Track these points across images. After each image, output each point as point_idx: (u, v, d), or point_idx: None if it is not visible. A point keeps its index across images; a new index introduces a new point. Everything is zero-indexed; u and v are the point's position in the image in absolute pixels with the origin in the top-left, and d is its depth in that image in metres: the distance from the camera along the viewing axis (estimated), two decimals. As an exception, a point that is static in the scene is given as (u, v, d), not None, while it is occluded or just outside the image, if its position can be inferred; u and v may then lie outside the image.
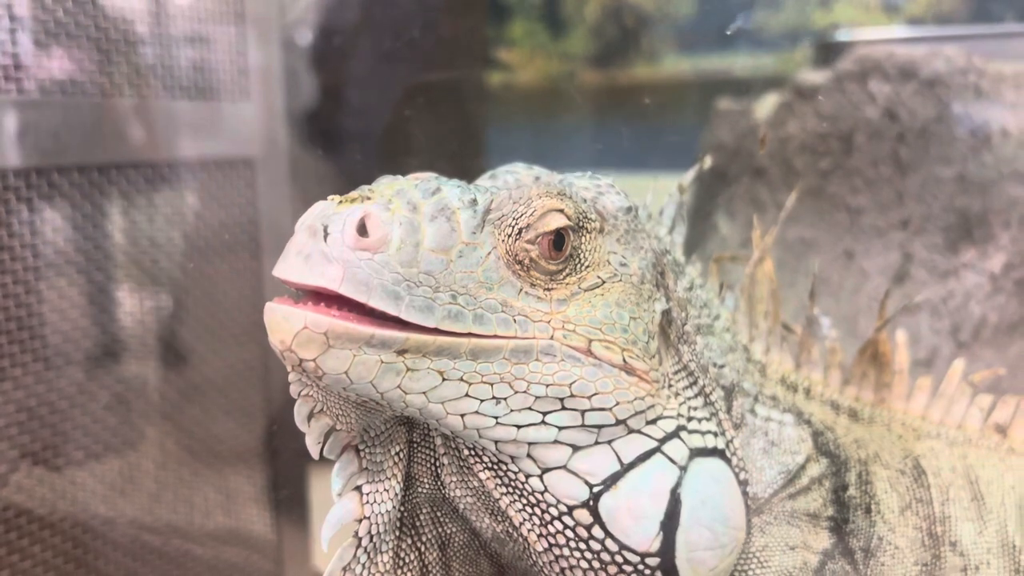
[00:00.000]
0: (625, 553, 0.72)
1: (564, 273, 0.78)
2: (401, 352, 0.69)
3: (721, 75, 4.57)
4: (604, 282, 0.79)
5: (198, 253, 1.83)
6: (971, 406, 0.87)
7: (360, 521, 0.76)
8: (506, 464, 0.73)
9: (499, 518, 0.76)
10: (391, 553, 0.76)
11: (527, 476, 0.73)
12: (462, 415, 0.72)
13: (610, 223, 0.83)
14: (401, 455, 0.78)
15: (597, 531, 0.72)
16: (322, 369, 0.68)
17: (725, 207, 1.48)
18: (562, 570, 0.74)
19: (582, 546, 0.73)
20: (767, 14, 4.50)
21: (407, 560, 0.77)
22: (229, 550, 1.54)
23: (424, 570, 0.78)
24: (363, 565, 0.75)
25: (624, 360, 0.75)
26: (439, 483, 0.79)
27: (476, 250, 0.75)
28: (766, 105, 1.58)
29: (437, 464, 0.78)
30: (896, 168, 1.35)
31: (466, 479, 0.77)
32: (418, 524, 0.80)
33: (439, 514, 0.79)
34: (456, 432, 0.73)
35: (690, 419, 0.76)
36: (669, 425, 0.75)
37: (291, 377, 0.73)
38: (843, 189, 1.32)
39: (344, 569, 0.75)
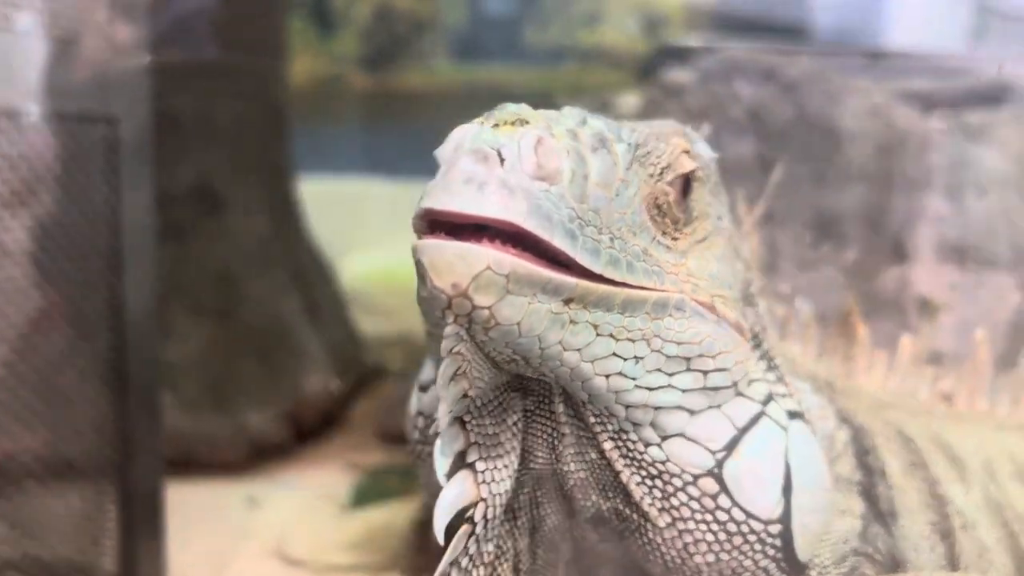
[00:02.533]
0: (751, 522, 0.67)
1: (684, 223, 0.71)
2: (567, 301, 0.61)
3: (494, 86, 4.76)
4: (708, 236, 0.73)
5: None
6: (919, 378, 0.91)
7: (476, 504, 0.65)
8: (627, 432, 0.66)
9: (609, 494, 0.69)
10: (495, 541, 0.67)
11: (647, 445, 0.66)
12: (607, 376, 0.63)
13: (704, 173, 0.76)
14: (518, 426, 0.67)
15: (723, 500, 0.66)
16: (496, 319, 0.58)
17: None
18: (685, 546, 0.67)
19: (708, 518, 0.66)
20: (535, 30, 4.77)
21: (505, 548, 0.69)
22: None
23: (516, 559, 0.70)
24: (470, 557, 0.65)
25: (736, 318, 0.71)
26: (553, 457, 0.68)
27: (627, 188, 0.66)
28: (628, 103, 1.69)
29: (555, 435, 0.68)
30: (760, 165, 1.52)
31: (584, 451, 0.68)
32: (516, 507, 0.72)
33: (539, 494, 0.70)
34: (595, 396, 0.65)
35: (772, 381, 0.72)
36: (763, 388, 0.71)
37: (448, 330, 0.59)
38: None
39: (451, 563, 0.65)
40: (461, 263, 0.57)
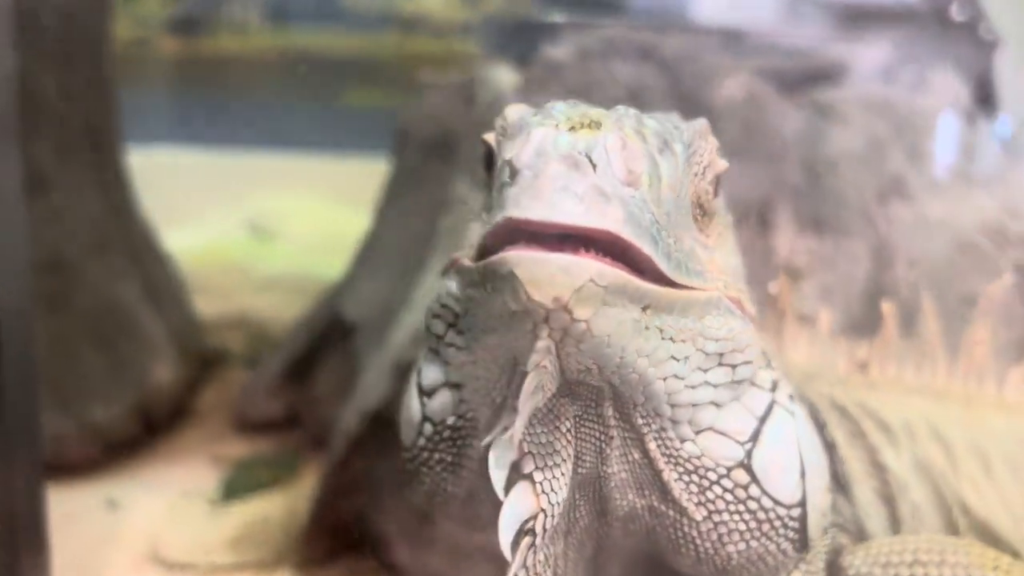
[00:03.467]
0: (778, 508, 0.69)
1: (712, 218, 0.72)
2: (644, 309, 0.61)
3: (312, 52, 4.59)
4: (723, 230, 0.75)
5: None
6: (836, 350, 0.97)
7: (536, 516, 0.64)
8: (666, 431, 0.67)
9: (645, 492, 0.69)
10: (545, 549, 0.67)
11: (682, 441, 0.67)
12: (664, 379, 0.64)
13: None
14: (571, 432, 0.67)
15: (754, 490, 0.68)
16: (592, 331, 0.58)
17: (471, 179, 1.56)
18: (719, 536, 0.69)
19: (741, 508, 0.68)
20: (356, -4, 4.63)
21: (548, 553, 0.68)
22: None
23: (555, 563, 0.70)
24: (529, 568, 0.65)
25: (751, 311, 0.73)
26: (599, 460, 0.68)
27: (683, 189, 0.67)
28: (504, 79, 1.69)
29: (603, 439, 0.68)
30: None
31: (628, 452, 0.68)
32: None
33: (577, 496, 0.69)
34: (651, 398, 0.65)
35: (771, 368, 0.74)
36: (768, 375, 0.72)
37: (540, 345, 0.58)
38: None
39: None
40: (564, 276, 0.56)
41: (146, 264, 2.11)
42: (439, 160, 1.70)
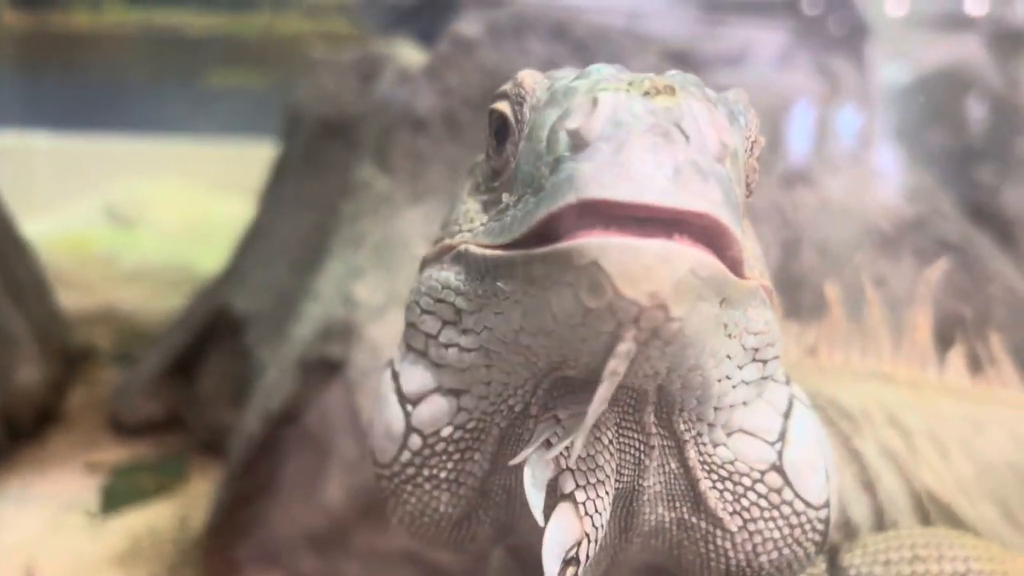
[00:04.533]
0: (808, 511, 0.63)
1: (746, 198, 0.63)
2: (722, 302, 0.53)
3: (173, 30, 4.35)
4: (746, 212, 0.65)
5: None
6: (787, 335, 0.89)
7: (579, 543, 0.56)
8: (703, 435, 0.60)
9: (676, 504, 0.63)
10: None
11: (715, 446, 0.61)
12: (720, 380, 0.57)
13: None
14: (613, 444, 0.59)
15: (787, 493, 0.62)
16: (684, 331, 0.49)
17: (376, 162, 1.47)
18: (754, 547, 0.63)
19: (775, 514, 0.63)
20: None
21: None
22: None
23: None
24: None
25: (776, 300, 0.66)
26: (637, 472, 0.61)
27: (741, 168, 0.59)
28: (411, 58, 1.62)
29: (643, 449, 0.60)
30: None
31: (665, 463, 0.61)
32: None
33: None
34: (704, 401, 0.58)
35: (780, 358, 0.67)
36: (780, 367, 0.65)
37: (622, 348, 0.49)
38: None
39: None
40: (664, 268, 0.47)
41: (5, 258, 1.93)
42: (336, 143, 1.60)
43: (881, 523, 0.79)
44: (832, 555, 0.74)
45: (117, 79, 4.28)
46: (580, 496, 0.57)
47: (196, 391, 1.81)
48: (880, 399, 0.86)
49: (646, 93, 0.51)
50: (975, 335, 1.49)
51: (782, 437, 0.63)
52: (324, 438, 1.23)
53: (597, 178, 0.49)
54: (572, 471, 0.57)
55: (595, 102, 0.51)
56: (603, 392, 0.51)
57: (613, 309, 0.48)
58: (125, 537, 1.42)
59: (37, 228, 2.76)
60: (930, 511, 0.80)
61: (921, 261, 1.53)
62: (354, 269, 1.32)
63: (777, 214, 1.54)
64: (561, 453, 0.56)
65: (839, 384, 0.86)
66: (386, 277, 1.27)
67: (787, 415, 0.64)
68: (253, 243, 1.84)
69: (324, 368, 1.27)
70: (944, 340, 1.07)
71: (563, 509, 0.56)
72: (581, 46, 1.41)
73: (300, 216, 1.65)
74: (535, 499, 0.56)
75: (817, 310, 1.03)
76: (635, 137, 0.49)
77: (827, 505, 0.65)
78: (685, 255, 0.48)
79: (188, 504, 1.51)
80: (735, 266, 0.52)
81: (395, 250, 1.30)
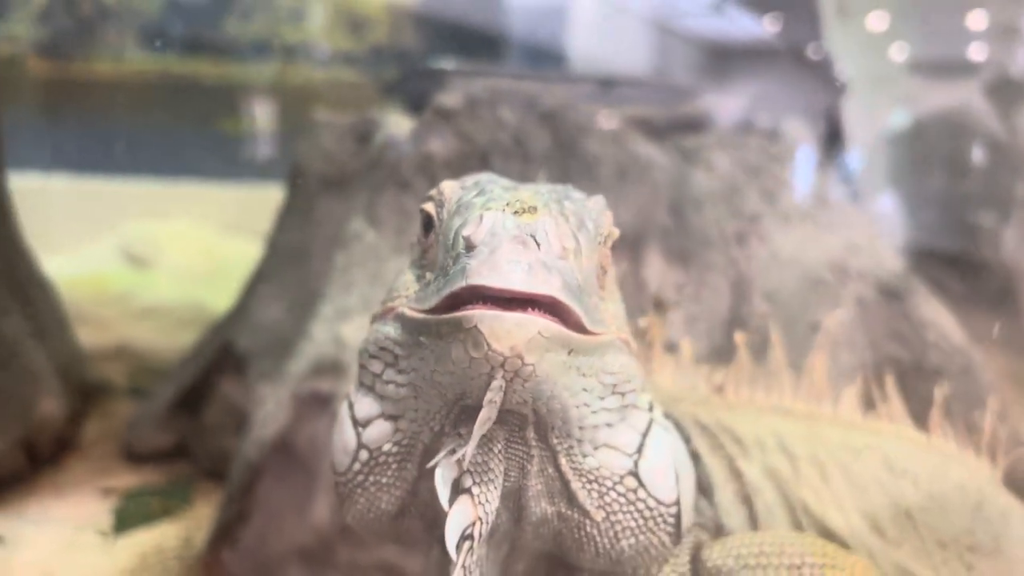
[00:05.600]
0: (660, 507, 0.83)
1: (607, 273, 0.86)
2: (569, 352, 0.75)
3: (190, 78, 4.55)
4: (611, 283, 0.89)
5: None
6: (697, 375, 1.10)
7: (474, 523, 0.77)
8: (573, 448, 0.80)
9: (555, 500, 0.82)
10: (478, 551, 0.79)
11: (584, 456, 0.81)
12: (577, 406, 0.78)
13: None
14: (502, 453, 0.79)
15: (641, 493, 0.82)
16: (536, 372, 0.72)
17: (366, 216, 1.64)
18: (615, 533, 0.83)
19: (631, 508, 0.82)
20: (237, 23, 4.62)
21: (479, 555, 0.80)
22: None
23: (481, 561, 0.81)
24: (468, 568, 0.76)
25: (635, 347, 0.87)
26: (521, 474, 0.81)
27: (592, 255, 0.82)
28: (398, 123, 1.78)
29: (525, 457, 0.80)
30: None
31: (544, 468, 0.81)
32: None
33: (499, 506, 0.82)
34: (567, 422, 0.78)
35: (647, 390, 0.88)
36: (646, 398, 0.86)
37: (495, 384, 0.72)
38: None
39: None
40: (519, 330, 0.71)
41: (30, 296, 2.09)
42: (333, 197, 1.77)
43: (756, 531, 0.94)
44: (696, 551, 0.90)
45: (135, 124, 4.45)
46: (475, 491, 0.77)
47: (202, 422, 1.96)
48: (775, 430, 1.02)
49: (515, 212, 0.76)
50: (913, 378, 1.63)
51: (639, 450, 0.83)
52: (313, 463, 1.39)
53: (479, 271, 0.72)
54: (470, 472, 0.78)
55: (481, 218, 0.75)
56: (485, 414, 0.73)
57: (488, 357, 0.72)
58: (135, 555, 1.56)
59: (56, 267, 2.93)
60: (803, 522, 0.95)
61: (861, 308, 1.68)
62: (343, 312, 1.48)
63: (731, 265, 1.70)
64: (461, 459, 0.77)
65: (740, 416, 1.03)
66: (371, 320, 1.43)
67: (645, 434, 0.84)
68: (257, 285, 2.00)
69: (314, 401, 1.43)
70: (878, 380, 1.23)
71: (462, 499, 0.77)
72: (548, 116, 1.58)
73: (299, 262, 1.81)
74: (443, 492, 0.76)
75: (762, 350, 1.18)
76: (504, 244, 0.73)
77: (677, 503, 0.84)
78: (535, 322, 0.72)
79: (192, 525, 1.66)
80: (578, 327, 0.75)
81: (379, 296, 1.45)
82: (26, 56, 4.29)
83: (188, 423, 2.00)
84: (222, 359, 1.97)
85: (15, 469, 1.81)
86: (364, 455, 0.84)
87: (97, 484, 1.84)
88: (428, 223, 0.86)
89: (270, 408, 1.47)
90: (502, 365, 0.72)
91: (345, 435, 0.86)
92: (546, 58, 3.18)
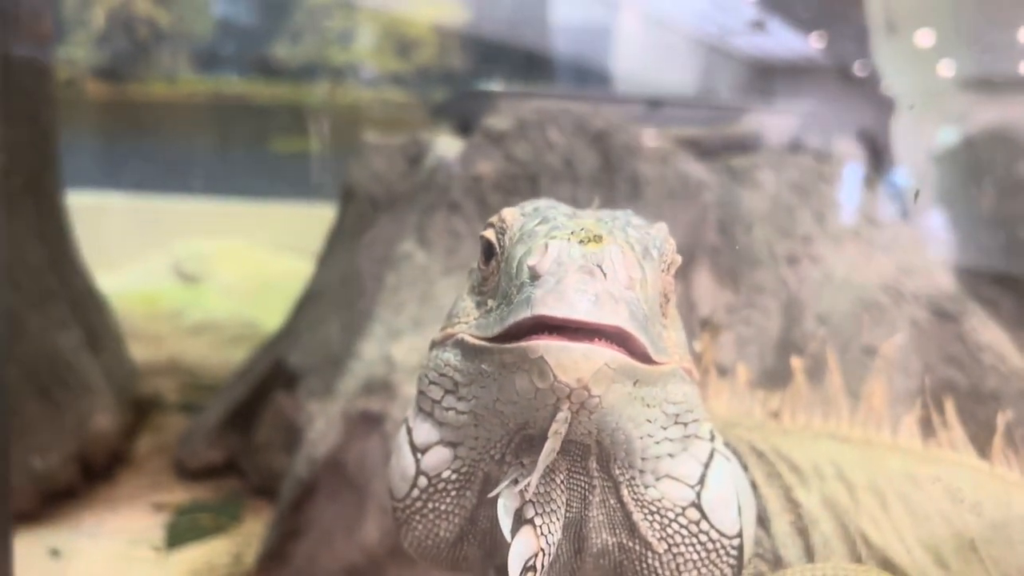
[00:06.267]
0: (723, 539, 0.81)
1: (670, 301, 0.86)
2: (635, 383, 0.74)
3: (240, 99, 4.64)
4: (674, 310, 0.88)
5: None
6: (752, 399, 1.08)
7: (536, 555, 0.76)
8: (635, 479, 0.79)
9: (616, 531, 0.81)
10: None
11: (646, 487, 0.79)
12: (641, 437, 0.77)
13: None
14: (564, 483, 0.78)
15: (704, 524, 0.81)
16: (603, 404, 0.71)
17: (417, 237, 1.65)
18: (677, 565, 0.81)
19: (694, 540, 0.81)
20: (286, 44, 4.71)
21: None
22: None
23: None
24: None
25: (697, 376, 0.86)
26: (583, 506, 0.80)
27: (656, 284, 0.80)
28: (449, 145, 1.79)
29: (587, 488, 0.79)
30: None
31: (606, 499, 0.80)
32: None
33: (561, 536, 0.81)
34: (630, 453, 0.78)
35: (708, 419, 0.86)
36: (707, 427, 0.84)
37: (560, 416, 0.71)
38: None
39: None
40: (586, 362, 0.69)
41: (86, 311, 2.14)
42: (384, 218, 1.79)
43: (813, 562, 0.92)
44: None
45: (187, 144, 4.55)
46: (538, 521, 0.76)
47: (252, 439, 1.99)
48: (832, 457, 1.00)
49: (580, 241, 0.74)
50: (970, 402, 1.59)
51: (701, 481, 0.81)
52: (363, 483, 1.40)
53: (544, 301, 0.71)
54: (532, 502, 0.77)
55: (546, 247, 0.74)
56: (550, 445, 0.72)
57: (554, 388, 0.70)
58: (187, 570, 1.58)
59: (111, 283, 3.00)
60: (862, 554, 0.93)
61: (916, 331, 1.65)
62: (394, 332, 1.49)
63: (782, 287, 1.68)
64: (524, 489, 0.76)
65: (797, 443, 1.01)
66: (421, 341, 1.43)
67: (707, 465, 0.82)
68: (308, 304, 2.02)
69: (365, 420, 1.44)
70: (936, 406, 1.20)
71: (525, 530, 0.76)
72: (597, 137, 1.58)
73: (350, 282, 1.83)
74: (505, 522, 0.76)
75: (816, 374, 1.17)
76: (570, 273, 0.72)
77: (740, 535, 0.82)
78: (601, 353, 0.70)
79: (242, 542, 1.67)
80: (644, 358, 0.73)
81: (429, 316, 1.46)
82: (84, 78, 4.41)
83: (239, 440, 2.02)
84: (273, 376, 1.99)
85: (70, 483, 1.85)
86: (423, 481, 0.83)
87: (149, 499, 1.87)
88: (489, 250, 0.85)
89: (320, 426, 1.48)
90: (568, 397, 0.71)
91: (403, 461, 0.85)
92: (592, 78, 3.19)
